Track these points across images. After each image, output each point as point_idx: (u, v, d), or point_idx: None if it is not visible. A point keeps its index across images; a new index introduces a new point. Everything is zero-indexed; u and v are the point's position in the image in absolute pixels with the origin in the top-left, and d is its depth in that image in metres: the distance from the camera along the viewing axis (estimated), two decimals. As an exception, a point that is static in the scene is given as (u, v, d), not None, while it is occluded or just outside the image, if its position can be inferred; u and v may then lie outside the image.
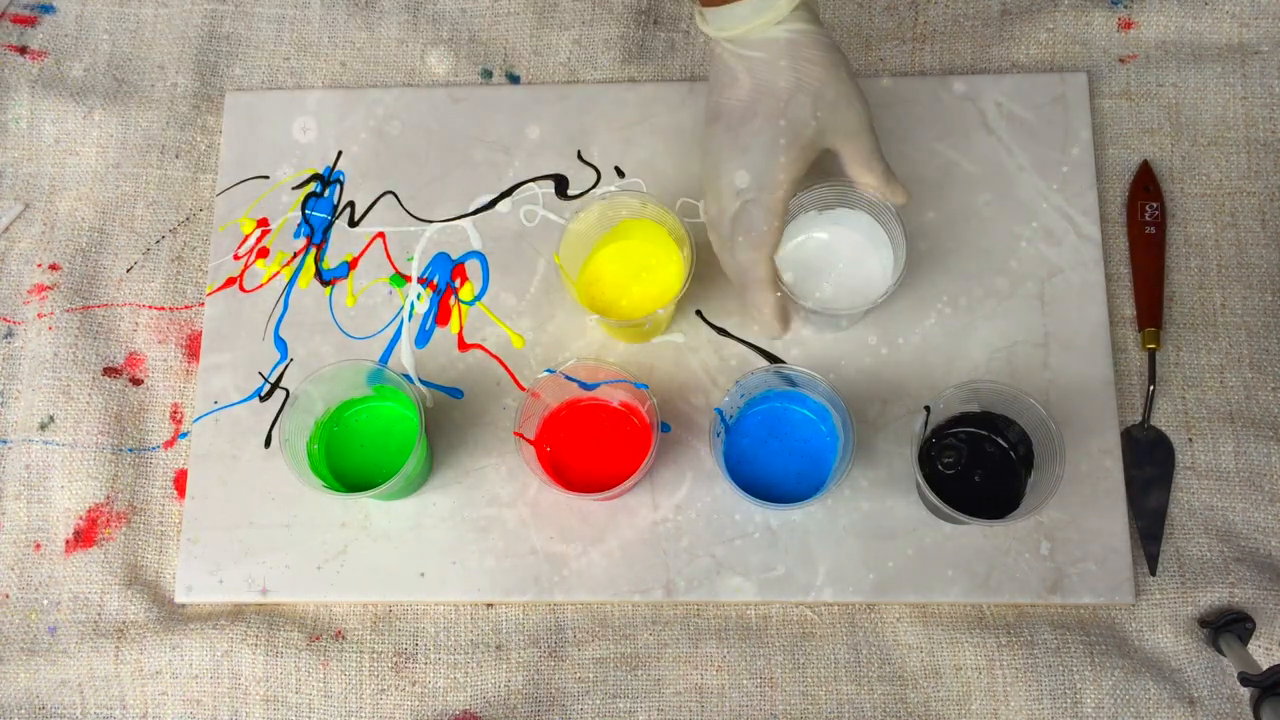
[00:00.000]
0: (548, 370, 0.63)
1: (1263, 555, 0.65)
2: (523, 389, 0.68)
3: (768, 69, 0.58)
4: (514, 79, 0.75)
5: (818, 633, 0.64)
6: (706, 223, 0.62)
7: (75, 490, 0.68)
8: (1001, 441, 0.63)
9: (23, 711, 0.66)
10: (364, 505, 0.67)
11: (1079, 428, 0.66)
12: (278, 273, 0.71)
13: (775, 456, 0.64)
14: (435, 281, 0.71)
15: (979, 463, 0.63)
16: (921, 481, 0.59)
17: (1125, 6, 0.73)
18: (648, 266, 0.66)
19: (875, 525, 0.65)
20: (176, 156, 0.74)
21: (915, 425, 0.60)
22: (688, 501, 0.66)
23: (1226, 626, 0.62)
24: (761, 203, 0.58)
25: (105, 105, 0.75)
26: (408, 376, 0.69)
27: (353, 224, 0.72)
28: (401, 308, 0.70)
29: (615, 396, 0.65)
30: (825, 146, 0.60)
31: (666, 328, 0.69)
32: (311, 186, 0.73)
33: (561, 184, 0.72)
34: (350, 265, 0.71)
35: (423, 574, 0.66)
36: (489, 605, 0.66)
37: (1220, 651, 0.62)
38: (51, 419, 0.69)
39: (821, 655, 0.64)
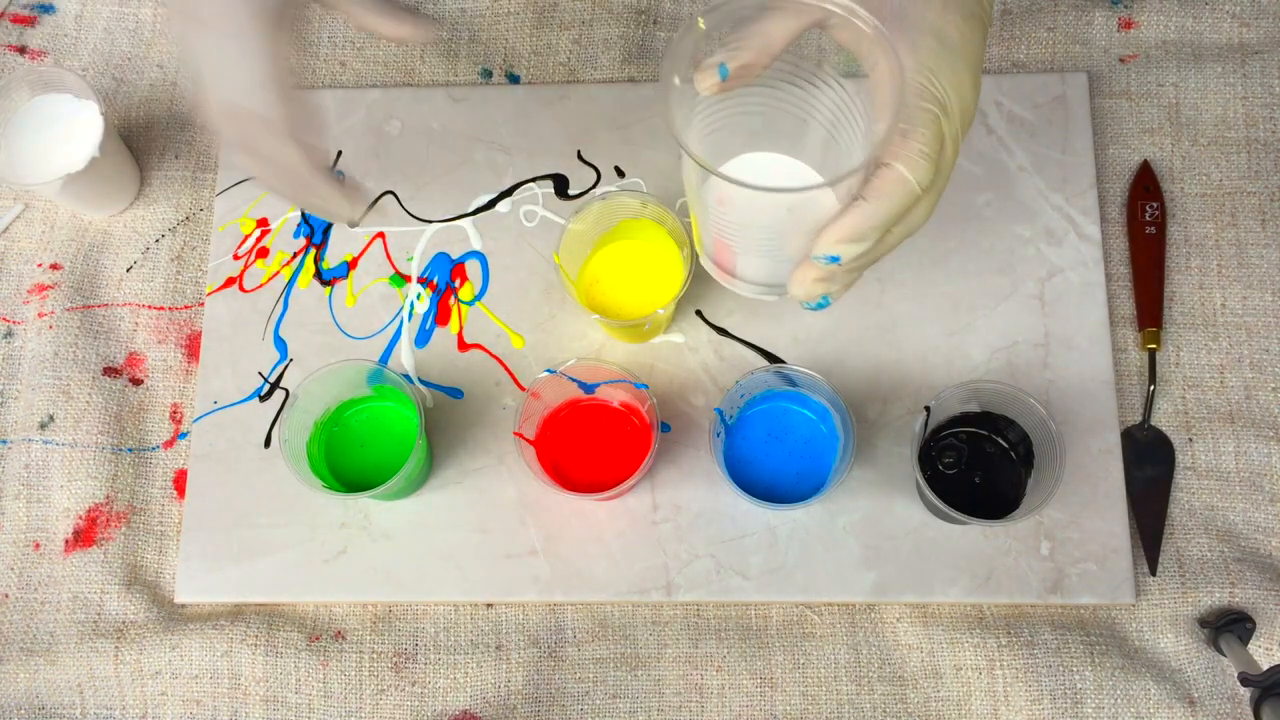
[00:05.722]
0: (548, 370, 0.63)
1: (1263, 555, 0.65)
2: (523, 389, 0.68)
3: None
4: (514, 79, 0.75)
5: (818, 633, 0.64)
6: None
7: (75, 490, 0.68)
8: (1001, 441, 0.63)
9: (23, 711, 0.66)
10: (364, 505, 0.67)
11: (1079, 428, 0.66)
12: (278, 273, 0.71)
13: (775, 456, 0.64)
14: (435, 281, 0.71)
15: (979, 463, 0.63)
16: (921, 481, 0.59)
17: (1125, 6, 0.73)
18: (648, 266, 0.66)
19: (875, 525, 0.65)
20: (176, 157, 0.74)
21: (915, 425, 0.60)
22: (688, 501, 0.66)
23: (1226, 626, 0.62)
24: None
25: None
26: (407, 376, 0.69)
27: (352, 224, 0.72)
28: (401, 308, 0.70)
29: (615, 396, 0.65)
30: None
31: (666, 328, 0.69)
32: (311, 186, 0.73)
33: (561, 184, 0.72)
34: (350, 265, 0.71)
35: (423, 574, 0.66)
36: (489, 605, 0.66)
37: (1220, 651, 0.62)
38: (51, 419, 0.69)
39: (821, 655, 0.64)
